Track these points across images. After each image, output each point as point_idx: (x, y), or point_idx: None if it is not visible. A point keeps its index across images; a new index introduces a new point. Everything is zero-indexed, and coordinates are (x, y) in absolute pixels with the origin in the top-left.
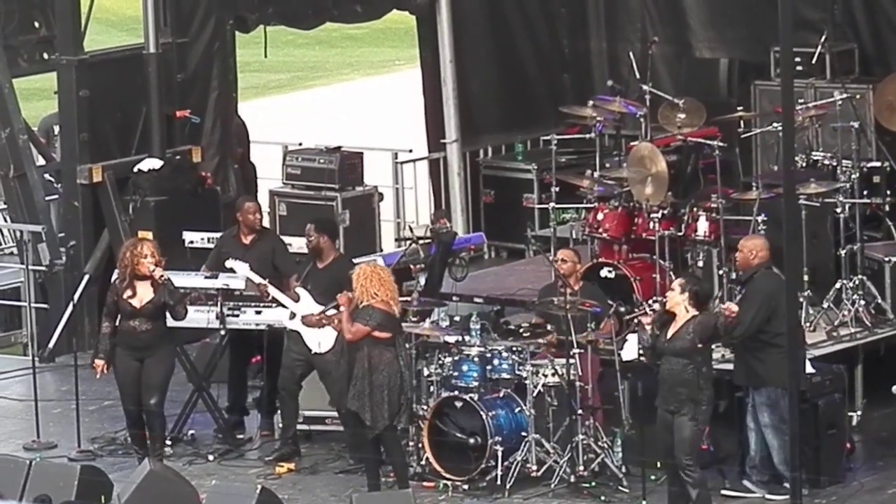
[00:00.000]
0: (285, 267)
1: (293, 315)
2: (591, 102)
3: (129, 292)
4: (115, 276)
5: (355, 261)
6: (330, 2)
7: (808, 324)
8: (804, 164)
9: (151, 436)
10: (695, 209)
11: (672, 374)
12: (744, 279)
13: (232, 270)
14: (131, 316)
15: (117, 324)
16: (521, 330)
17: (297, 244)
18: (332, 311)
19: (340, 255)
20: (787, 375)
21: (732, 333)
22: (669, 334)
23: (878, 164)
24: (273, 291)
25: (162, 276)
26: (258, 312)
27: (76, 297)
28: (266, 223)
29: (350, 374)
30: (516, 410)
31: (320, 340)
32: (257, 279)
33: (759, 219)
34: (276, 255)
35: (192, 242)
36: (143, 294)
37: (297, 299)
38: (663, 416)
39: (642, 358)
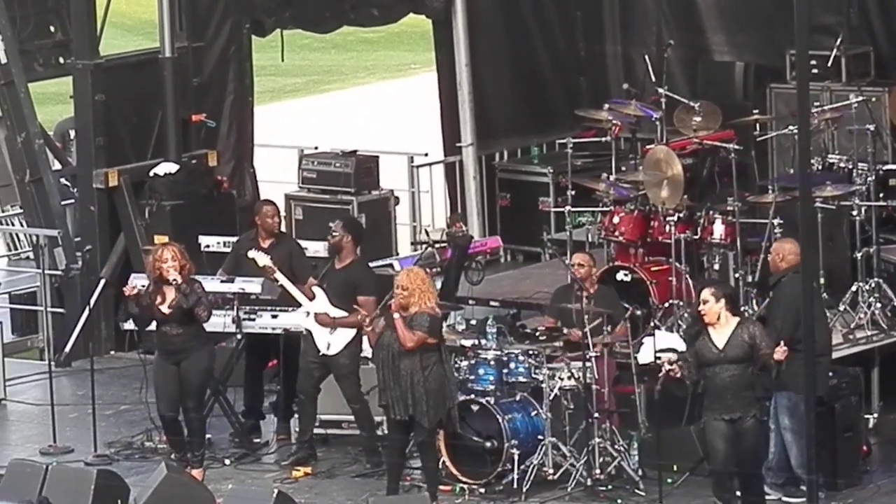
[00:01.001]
0: (301, 271)
1: (308, 313)
2: (606, 106)
3: (158, 298)
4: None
5: (372, 265)
6: (348, 5)
7: None
8: (820, 167)
9: (190, 440)
10: (711, 212)
11: (734, 379)
12: (771, 283)
13: (254, 261)
14: (162, 321)
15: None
16: (537, 333)
17: (314, 248)
18: (342, 313)
19: (358, 259)
20: (805, 378)
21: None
22: (721, 344)
23: (893, 166)
24: (288, 286)
25: (175, 279)
26: (274, 316)
27: (92, 301)
28: (282, 227)
29: (401, 380)
30: (533, 414)
31: (330, 342)
32: (281, 278)
33: (776, 222)
34: (293, 259)
35: (207, 247)
36: (171, 299)
37: (312, 297)
38: (718, 426)
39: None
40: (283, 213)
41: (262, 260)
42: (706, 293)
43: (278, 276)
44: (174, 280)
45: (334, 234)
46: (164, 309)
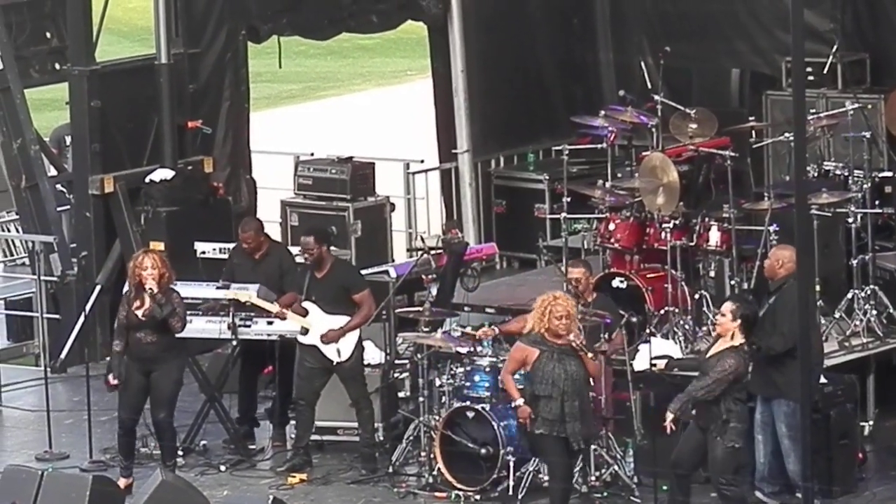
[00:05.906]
0: (289, 285)
1: (305, 331)
2: (602, 112)
3: (136, 303)
4: (125, 289)
5: (366, 272)
6: (346, 12)
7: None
8: (816, 175)
9: (162, 447)
10: (706, 219)
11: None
12: (772, 290)
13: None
14: (138, 327)
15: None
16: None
17: None
18: (342, 319)
19: (335, 261)
20: (800, 385)
21: (774, 347)
22: (710, 353)
23: (889, 173)
24: (288, 314)
25: (151, 289)
26: (270, 323)
27: (88, 307)
28: (277, 235)
29: (584, 409)
30: None
31: (339, 349)
32: (274, 308)
33: (771, 229)
34: (282, 273)
35: (203, 253)
36: (147, 306)
37: (305, 314)
38: (694, 429)
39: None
40: (278, 220)
41: (255, 299)
42: (726, 307)
43: (267, 306)
44: (150, 289)
45: (311, 250)
46: (140, 315)
